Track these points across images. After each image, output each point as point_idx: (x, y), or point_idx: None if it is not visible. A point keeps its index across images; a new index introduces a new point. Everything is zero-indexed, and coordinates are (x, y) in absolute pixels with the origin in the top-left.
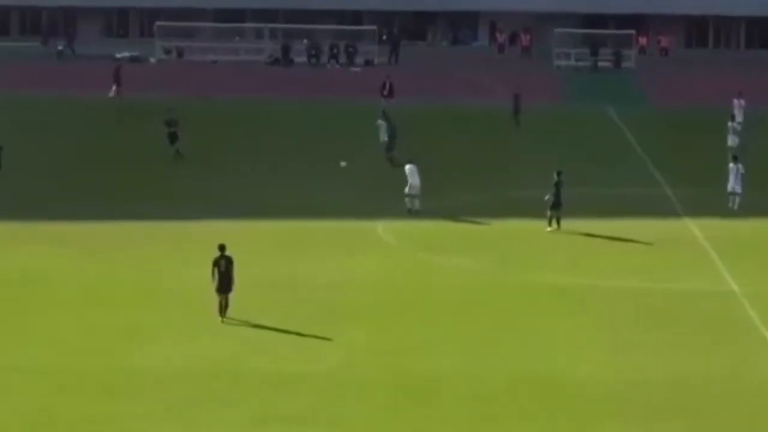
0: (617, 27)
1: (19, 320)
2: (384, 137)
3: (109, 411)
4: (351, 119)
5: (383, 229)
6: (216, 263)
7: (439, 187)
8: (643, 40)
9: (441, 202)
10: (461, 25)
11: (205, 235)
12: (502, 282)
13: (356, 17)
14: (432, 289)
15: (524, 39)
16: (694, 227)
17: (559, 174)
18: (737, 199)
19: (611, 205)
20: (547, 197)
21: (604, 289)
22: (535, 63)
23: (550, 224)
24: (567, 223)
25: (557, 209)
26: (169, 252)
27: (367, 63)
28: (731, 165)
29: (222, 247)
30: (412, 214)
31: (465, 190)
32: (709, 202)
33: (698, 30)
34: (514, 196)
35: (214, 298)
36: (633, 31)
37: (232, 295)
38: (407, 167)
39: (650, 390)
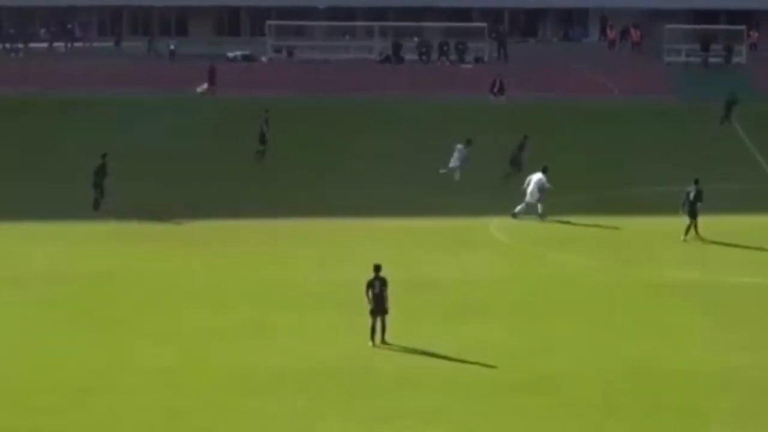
0: (728, 22)
1: (147, 319)
2: (456, 162)
3: (240, 409)
4: (461, 117)
5: (495, 227)
6: (370, 284)
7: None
8: (754, 36)
9: (558, 199)
10: (571, 21)
11: (321, 234)
12: (623, 279)
13: (466, 14)
14: (553, 287)
15: (635, 35)
16: None
17: (696, 182)
18: None
19: (725, 201)
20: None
21: (729, 285)
22: (645, 59)
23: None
24: (678, 220)
25: (694, 218)
26: (287, 250)
27: (477, 60)
28: None
29: (377, 268)
30: (517, 217)
31: (580, 187)
32: None
33: None
34: (629, 193)
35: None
36: (744, 27)
37: (388, 318)
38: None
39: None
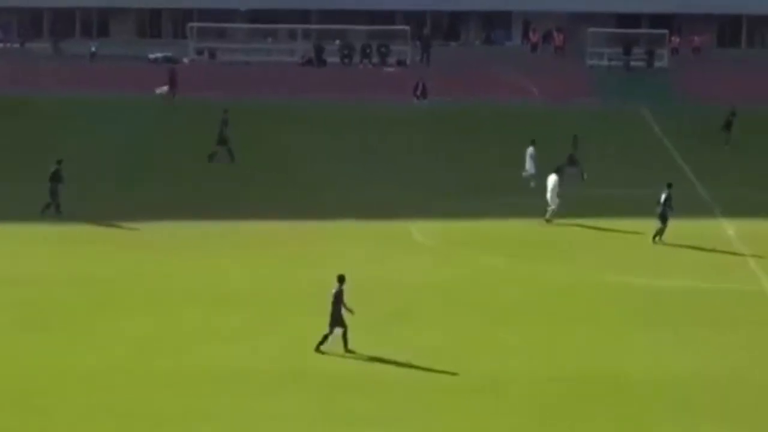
0: (650, 26)
1: (98, 322)
2: (532, 169)
3: (191, 410)
4: (384, 120)
5: (417, 230)
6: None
7: (477, 187)
8: (675, 40)
9: (477, 203)
10: (494, 24)
11: (257, 237)
12: (560, 282)
13: (389, 17)
14: (486, 290)
15: (557, 38)
16: (728, 227)
17: (669, 186)
18: None
19: (645, 204)
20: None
21: (660, 288)
22: (568, 62)
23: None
24: (604, 222)
25: (664, 223)
26: (226, 252)
27: (400, 63)
28: None
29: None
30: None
31: (502, 190)
32: (743, 202)
33: (731, 29)
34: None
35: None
36: (666, 31)
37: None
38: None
39: (713, 389)
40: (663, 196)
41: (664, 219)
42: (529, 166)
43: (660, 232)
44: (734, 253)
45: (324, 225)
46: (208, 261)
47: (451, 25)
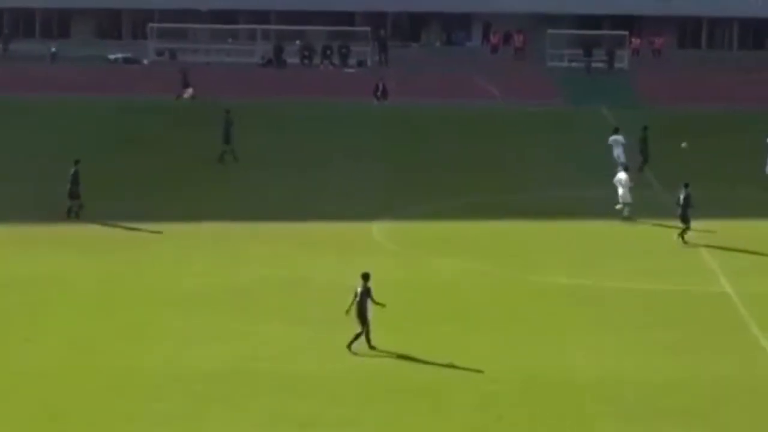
0: (611, 28)
1: (29, 321)
2: (622, 157)
3: (122, 411)
4: (344, 121)
5: (378, 230)
6: (356, 293)
7: (431, 190)
8: (636, 41)
9: (436, 204)
10: (454, 26)
11: (210, 237)
12: (509, 283)
13: (349, 18)
14: (437, 291)
15: (517, 40)
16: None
17: (686, 186)
18: None
19: (604, 206)
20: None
21: (609, 289)
22: (528, 64)
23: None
24: (564, 225)
25: (687, 223)
26: (177, 253)
27: (360, 64)
28: None
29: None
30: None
31: (461, 192)
32: (704, 203)
33: (691, 31)
34: (512, 198)
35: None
36: (626, 32)
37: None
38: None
39: (655, 391)
40: (681, 197)
41: (685, 219)
42: (617, 153)
43: (684, 232)
44: (688, 254)
45: (269, 226)
46: (151, 261)
47: (412, 26)
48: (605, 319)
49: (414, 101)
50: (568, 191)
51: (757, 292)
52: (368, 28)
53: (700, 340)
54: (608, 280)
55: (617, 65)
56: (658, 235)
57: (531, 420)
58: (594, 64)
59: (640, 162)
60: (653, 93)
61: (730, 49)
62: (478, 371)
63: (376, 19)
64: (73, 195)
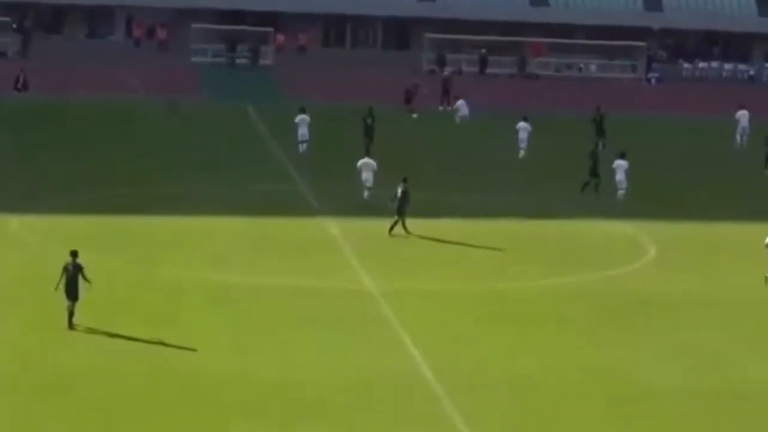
0: (256, 24)
1: None
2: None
3: None
4: None
5: (19, 225)
6: (65, 268)
7: (69, 182)
8: (281, 38)
9: (82, 196)
10: (97, 19)
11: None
12: (146, 279)
13: None
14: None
15: (161, 34)
16: (332, 225)
17: (404, 181)
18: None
19: (251, 202)
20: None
21: (256, 287)
22: (172, 58)
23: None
24: (209, 221)
25: (402, 215)
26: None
27: (1, 55)
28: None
29: (74, 253)
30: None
31: (104, 185)
32: (346, 199)
33: (336, 29)
34: (155, 191)
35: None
36: (271, 29)
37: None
38: None
39: (293, 390)
40: (399, 191)
41: (400, 212)
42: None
43: (396, 225)
44: (337, 252)
45: None
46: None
47: (55, 17)
48: (240, 318)
49: (56, 94)
50: (213, 187)
51: (397, 289)
52: (8, 19)
53: (343, 338)
54: (251, 277)
55: (262, 62)
56: (301, 228)
57: (162, 410)
58: (239, 60)
59: None
60: (297, 90)
61: (374, 47)
62: (108, 366)
63: (19, 9)
64: None
